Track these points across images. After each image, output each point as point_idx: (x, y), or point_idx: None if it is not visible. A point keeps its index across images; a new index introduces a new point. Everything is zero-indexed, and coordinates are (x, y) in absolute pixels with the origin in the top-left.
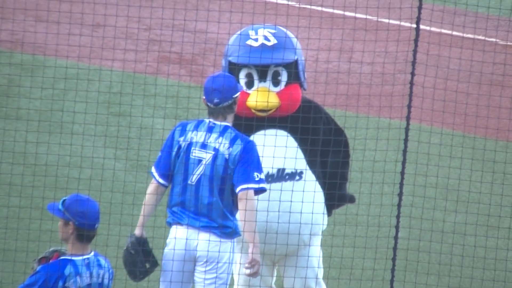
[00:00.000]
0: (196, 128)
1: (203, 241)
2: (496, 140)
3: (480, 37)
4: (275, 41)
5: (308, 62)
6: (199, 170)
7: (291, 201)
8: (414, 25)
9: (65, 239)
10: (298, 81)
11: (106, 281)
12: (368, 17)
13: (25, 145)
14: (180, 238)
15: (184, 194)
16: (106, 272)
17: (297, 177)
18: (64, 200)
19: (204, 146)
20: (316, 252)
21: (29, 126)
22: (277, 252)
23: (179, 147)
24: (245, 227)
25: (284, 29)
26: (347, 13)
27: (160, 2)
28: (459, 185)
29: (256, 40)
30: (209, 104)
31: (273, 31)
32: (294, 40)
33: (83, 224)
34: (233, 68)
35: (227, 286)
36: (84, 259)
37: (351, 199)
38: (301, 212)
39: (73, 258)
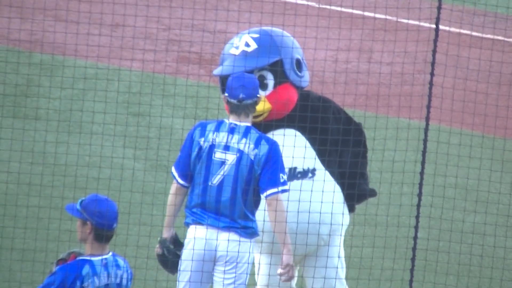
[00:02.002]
0: (217, 129)
1: (224, 241)
2: None
3: (499, 37)
4: (255, 46)
5: (327, 63)
6: (222, 171)
7: (299, 200)
8: (434, 26)
9: (83, 239)
10: (287, 81)
11: (124, 281)
12: (388, 17)
13: (44, 145)
14: (200, 238)
15: (205, 195)
16: (124, 273)
17: (310, 175)
18: (82, 200)
19: (226, 147)
20: (335, 252)
21: (48, 126)
22: (296, 252)
23: (200, 148)
24: (276, 229)
25: (270, 29)
26: (367, 13)
27: (179, 2)
28: (478, 185)
29: (237, 47)
30: (232, 100)
31: (255, 35)
32: (282, 39)
33: (101, 224)
34: (223, 79)
35: (245, 286)
36: (102, 259)
37: (372, 193)
38: (320, 211)
39: (91, 258)
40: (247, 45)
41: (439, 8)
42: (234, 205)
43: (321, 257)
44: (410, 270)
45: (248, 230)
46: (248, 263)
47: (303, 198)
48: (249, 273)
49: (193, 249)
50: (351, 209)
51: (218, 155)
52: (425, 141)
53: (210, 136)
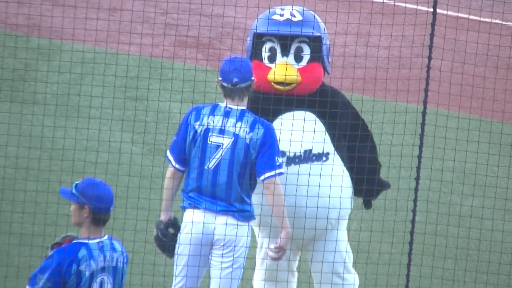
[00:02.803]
0: (212, 112)
1: (221, 225)
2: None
3: (497, 21)
4: (301, 18)
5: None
6: (217, 155)
7: (307, 183)
8: (431, 9)
9: (79, 223)
10: (321, 61)
11: (120, 264)
12: (385, 1)
13: (42, 130)
14: (197, 222)
15: (201, 179)
16: (120, 256)
17: (324, 158)
18: (77, 184)
19: (222, 131)
20: (342, 236)
21: (46, 110)
22: (304, 236)
23: (195, 132)
24: (274, 213)
25: (313, 13)
26: None
27: None
28: (476, 169)
29: (282, 15)
30: (226, 84)
31: (300, 9)
32: (322, 24)
33: (99, 207)
34: (257, 42)
35: (242, 270)
36: (99, 242)
37: (386, 185)
38: (329, 196)
39: (88, 241)
40: (292, 15)
41: None
42: (231, 188)
43: (329, 241)
44: (408, 254)
45: (245, 214)
46: (245, 247)
47: (315, 181)
48: (246, 256)
49: (191, 233)
50: (367, 205)
51: (214, 139)
52: (422, 124)
53: (205, 120)
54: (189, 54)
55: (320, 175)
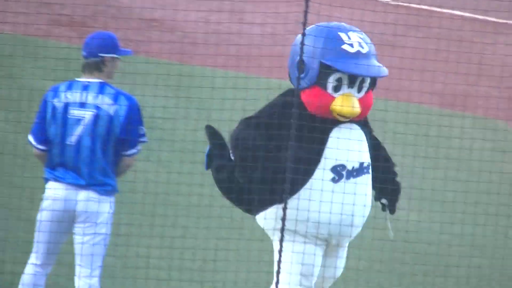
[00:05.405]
0: (70, 88)
1: (83, 201)
2: (386, 100)
3: None
4: (368, 48)
5: (198, 24)
6: (79, 129)
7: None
8: None
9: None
10: (374, 87)
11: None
12: None
13: None
14: (59, 199)
15: (64, 155)
16: None
17: (370, 169)
18: None
19: (82, 105)
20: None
21: None
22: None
23: (54, 108)
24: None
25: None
26: None
27: None
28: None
29: (351, 45)
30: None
31: (361, 35)
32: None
33: None
34: (323, 71)
35: (106, 246)
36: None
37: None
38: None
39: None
40: (361, 45)
41: None
42: (94, 161)
43: (343, 248)
44: None
45: (107, 188)
46: (107, 223)
47: (364, 191)
48: (109, 232)
49: (52, 210)
50: (392, 211)
51: (74, 113)
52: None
53: (63, 95)
54: (63, 32)
55: (365, 184)
